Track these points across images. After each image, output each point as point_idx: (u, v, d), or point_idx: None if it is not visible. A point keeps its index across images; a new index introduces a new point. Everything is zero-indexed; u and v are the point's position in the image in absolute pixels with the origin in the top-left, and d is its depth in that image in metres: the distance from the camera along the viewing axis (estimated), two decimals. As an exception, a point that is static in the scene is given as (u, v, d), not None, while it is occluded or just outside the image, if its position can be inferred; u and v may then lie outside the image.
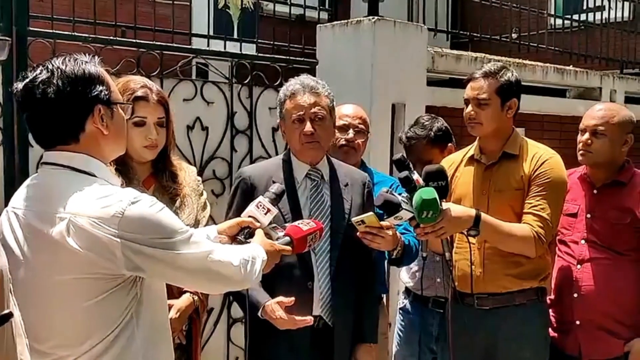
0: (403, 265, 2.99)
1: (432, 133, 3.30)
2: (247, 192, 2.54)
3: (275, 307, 2.43)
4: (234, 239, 2.17)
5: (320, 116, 2.57)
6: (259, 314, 2.45)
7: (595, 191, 2.97)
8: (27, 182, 1.85)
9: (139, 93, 2.46)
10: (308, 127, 2.55)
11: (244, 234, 2.18)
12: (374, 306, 2.82)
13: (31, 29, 3.50)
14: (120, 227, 1.67)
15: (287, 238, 2.19)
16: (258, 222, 2.21)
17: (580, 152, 2.95)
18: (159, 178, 2.57)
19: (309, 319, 2.44)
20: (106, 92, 1.80)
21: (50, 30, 3.68)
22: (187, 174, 2.67)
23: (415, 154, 3.25)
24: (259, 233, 2.15)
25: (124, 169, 2.46)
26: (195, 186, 2.67)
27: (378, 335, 2.99)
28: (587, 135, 2.93)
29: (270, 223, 2.25)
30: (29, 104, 1.78)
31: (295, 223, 2.28)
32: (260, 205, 2.25)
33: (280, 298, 2.43)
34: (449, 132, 3.38)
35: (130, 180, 2.46)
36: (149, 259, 1.71)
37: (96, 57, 1.86)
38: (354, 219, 2.52)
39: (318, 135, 2.57)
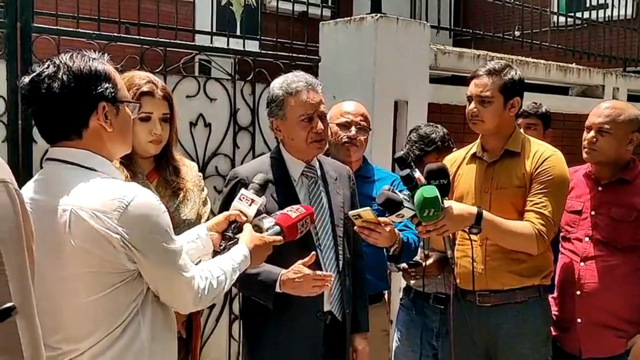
0: (401, 262, 3.00)
1: (440, 143, 3.30)
2: None
3: (299, 267, 2.37)
4: (223, 236, 2.18)
5: (325, 113, 2.59)
6: (277, 288, 2.40)
7: (600, 188, 2.96)
8: (35, 177, 1.87)
9: (145, 88, 2.47)
10: (320, 125, 2.52)
11: (232, 229, 2.18)
12: (365, 296, 2.83)
13: (35, 25, 3.49)
14: (121, 221, 1.69)
15: (278, 227, 2.20)
16: (245, 215, 2.21)
17: (585, 149, 2.95)
18: (162, 172, 2.59)
19: (330, 275, 2.42)
20: (112, 90, 1.81)
21: (55, 27, 3.69)
22: (189, 169, 2.69)
23: (424, 166, 3.25)
24: (247, 228, 2.15)
25: (129, 162, 2.48)
26: (197, 181, 2.69)
27: (379, 331, 3.02)
28: (592, 133, 2.92)
29: (259, 213, 2.24)
30: (34, 98, 1.79)
31: (284, 210, 2.28)
32: (243, 198, 2.24)
33: (299, 262, 2.38)
34: (449, 135, 3.38)
35: (134, 173, 2.49)
36: (139, 253, 1.74)
37: (105, 54, 1.87)
38: (351, 213, 2.53)
39: (325, 133, 2.58)
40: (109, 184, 1.76)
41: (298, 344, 2.50)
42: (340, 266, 2.57)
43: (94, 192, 1.72)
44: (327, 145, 3.09)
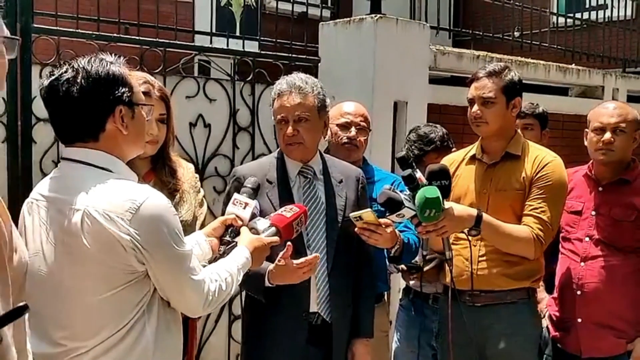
0: (402, 263, 3.00)
1: (439, 143, 3.30)
2: None
3: (283, 261, 2.36)
4: (221, 240, 2.20)
5: (304, 117, 2.57)
6: (267, 282, 2.43)
7: (600, 189, 2.97)
8: (50, 175, 1.90)
9: (142, 89, 2.46)
10: (289, 129, 2.56)
11: (229, 234, 2.20)
12: (370, 301, 2.81)
13: (35, 25, 3.49)
14: (133, 222, 1.71)
15: (274, 228, 2.22)
16: (241, 218, 2.23)
17: (602, 151, 2.93)
18: (159, 173, 2.59)
19: (313, 257, 2.40)
20: (128, 94, 1.84)
21: (54, 27, 3.68)
22: (185, 170, 2.69)
23: (424, 166, 3.25)
24: (244, 231, 2.18)
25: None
26: (193, 183, 2.69)
27: (379, 332, 3.01)
28: (608, 134, 2.91)
29: (253, 216, 2.26)
30: (52, 100, 1.82)
31: (279, 211, 2.30)
32: (237, 202, 2.27)
33: (280, 255, 2.36)
34: (449, 135, 3.38)
35: None
36: (149, 255, 1.75)
37: (121, 57, 1.89)
38: (352, 215, 2.53)
39: (301, 137, 2.57)
40: (122, 185, 1.78)
41: (283, 342, 2.52)
42: (330, 268, 2.56)
43: (107, 192, 1.74)
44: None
